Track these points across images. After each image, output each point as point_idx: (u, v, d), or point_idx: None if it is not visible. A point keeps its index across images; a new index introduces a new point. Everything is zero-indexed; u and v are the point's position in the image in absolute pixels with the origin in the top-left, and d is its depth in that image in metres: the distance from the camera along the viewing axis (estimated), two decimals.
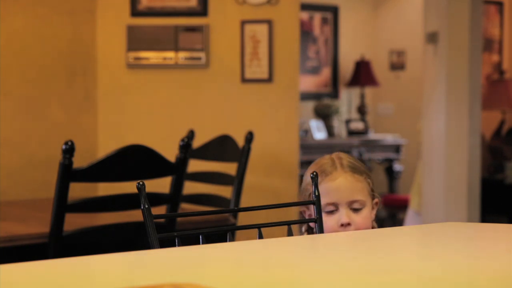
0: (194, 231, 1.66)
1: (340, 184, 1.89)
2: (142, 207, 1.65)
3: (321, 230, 1.84)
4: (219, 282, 1.19)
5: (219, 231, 1.84)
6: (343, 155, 1.96)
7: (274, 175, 4.17)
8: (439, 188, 5.02)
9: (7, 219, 2.95)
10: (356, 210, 1.88)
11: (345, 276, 1.28)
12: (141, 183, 1.70)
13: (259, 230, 1.71)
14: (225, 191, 3.38)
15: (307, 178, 1.89)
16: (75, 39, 4.28)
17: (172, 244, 1.61)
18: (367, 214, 1.89)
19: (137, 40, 4.25)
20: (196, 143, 3.62)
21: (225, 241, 1.65)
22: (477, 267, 1.31)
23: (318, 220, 1.83)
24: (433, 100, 5.07)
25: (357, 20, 7.56)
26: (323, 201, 1.84)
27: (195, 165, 3.55)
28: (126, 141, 3.03)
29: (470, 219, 4.91)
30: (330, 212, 1.88)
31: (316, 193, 1.87)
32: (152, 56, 4.26)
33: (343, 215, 1.87)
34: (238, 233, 3.32)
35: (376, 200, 1.94)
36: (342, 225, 1.86)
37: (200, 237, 1.65)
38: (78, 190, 2.77)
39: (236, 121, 4.20)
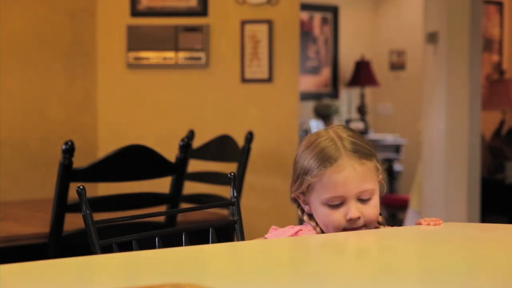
0: (129, 237, 1.62)
1: (348, 176, 1.64)
2: (83, 213, 1.60)
3: (241, 232, 1.77)
4: (219, 282, 1.19)
5: (150, 235, 1.67)
6: (342, 131, 1.70)
7: (274, 175, 4.17)
8: (439, 188, 5.02)
9: (7, 219, 2.95)
10: (364, 201, 1.65)
11: (345, 276, 1.28)
12: (81, 187, 1.62)
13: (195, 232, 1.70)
14: (225, 191, 3.38)
15: (303, 162, 1.67)
16: (75, 39, 4.28)
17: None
18: (376, 202, 1.67)
19: (137, 40, 4.25)
20: (196, 143, 3.62)
21: (224, 240, 1.65)
22: (477, 267, 1.31)
23: (238, 222, 1.80)
24: (433, 100, 5.07)
25: (357, 20, 7.56)
26: (326, 194, 1.64)
27: (195, 165, 3.55)
28: (126, 141, 3.03)
29: (470, 219, 4.91)
30: (335, 206, 1.65)
31: (235, 194, 1.82)
32: (152, 56, 4.26)
33: (352, 208, 1.64)
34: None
35: (379, 179, 1.71)
36: (350, 219, 1.64)
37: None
38: None
39: (236, 121, 4.20)
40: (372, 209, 1.65)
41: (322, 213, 1.65)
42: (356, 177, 1.64)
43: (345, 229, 1.64)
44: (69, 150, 2.40)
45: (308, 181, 1.65)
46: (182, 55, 4.24)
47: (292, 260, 1.38)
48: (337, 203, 1.64)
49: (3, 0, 4.05)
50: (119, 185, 2.67)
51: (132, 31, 4.25)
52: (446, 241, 1.59)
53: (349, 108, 7.47)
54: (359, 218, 1.64)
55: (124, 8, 4.26)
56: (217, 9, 4.23)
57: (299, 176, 1.68)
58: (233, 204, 1.80)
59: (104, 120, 4.33)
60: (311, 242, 1.52)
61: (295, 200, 1.74)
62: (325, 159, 1.64)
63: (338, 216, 1.64)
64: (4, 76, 4.05)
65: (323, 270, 1.32)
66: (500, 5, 7.25)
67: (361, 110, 7.30)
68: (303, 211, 1.73)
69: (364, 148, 1.67)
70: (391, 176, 7.06)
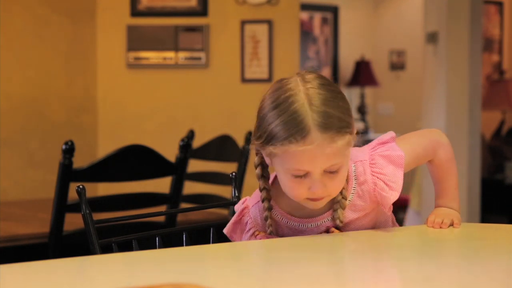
0: (129, 237, 1.62)
1: (315, 154, 1.46)
2: (82, 212, 1.60)
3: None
4: (219, 282, 1.19)
5: (150, 235, 1.66)
6: (315, 93, 1.48)
7: None
8: None
9: (7, 219, 2.95)
10: (331, 173, 1.49)
11: (345, 276, 1.28)
12: (81, 186, 1.61)
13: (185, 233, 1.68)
14: (225, 191, 3.38)
15: (269, 126, 1.47)
16: (75, 39, 4.28)
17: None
18: (344, 174, 1.52)
19: (137, 40, 4.25)
20: (196, 143, 3.62)
21: (224, 240, 1.65)
22: (477, 267, 1.31)
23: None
24: (433, 100, 5.07)
25: (357, 20, 7.56)
26: (290, 165, 1.47)
27: (195, 165, 3.55)
28: (126, 141, 3.03)
29: (470, 219, 4.91)
30: (299, 177, 1.49)
31: (236, 193, 1.79)
32: (152, 56, 4.26)
33: (316, 184, 1.48)
34: None
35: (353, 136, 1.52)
36: (313, 194, 1.50)
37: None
38: None
39: (236, 121, 4.20)
40: (338, 182, 1.51)
41: (284, 180, 1.51)
42: (324, 155, 1.46)
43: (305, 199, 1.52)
44: (69, 150, 2.40)
45: (271, 149, 1.47)
46: (182, 55, 4.24)
47: (293, 260, 1.38)
48: (300, 175, 1.48)
49: (3, 0, 4.05)
50: (119, 185, 2.66)
51: (132, 31, 4.25)
52: (446, 241, 1.59)
53: None
54: (319, 196, 1.51)
55: (124, 8, 4.26)
56: (217, 9, 4.23)
57: (263, 135, 1.49)
58: (235, 204, 1.80)
59: (104, 120, 4.33)
60: (311, 242, 1.52)
61: (257, 153, 1.57)
62: (293, 132, 1.45)
63: (301, 189, 1.49)
64: (4, 76, 4.05)
65: (323, 269, 1.32)
66: (500, 5, 7.25)
67: (361, 110, 7.30)
68: (260, 162, 1.57)
69: (338, 120, 1.47)
70: None
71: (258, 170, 1.58)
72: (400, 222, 6.13)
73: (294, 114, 1.46)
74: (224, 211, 3.23)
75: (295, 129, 1.45)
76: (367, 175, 1.58)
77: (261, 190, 1.60)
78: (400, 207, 6.60)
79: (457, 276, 1.27)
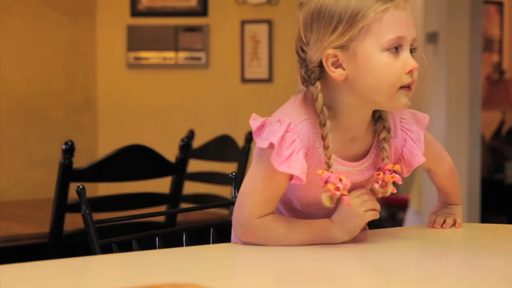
0: (129, 237, 1.61)
1: (408, 15, 1.42)
2: (82, 212, 1.60)
3: None
4: (219, 282, 1.19)
5: (150, 235, 1.64)
6: None
7: None
8: None
9: (7, 219, 2.95)
10: (412, 52, 1.44)
11: (345, 276, 1.28)
12: (81, 186, 1.60)
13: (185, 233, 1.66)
14: (225, 191, 3.38)
15: (352, 1, 1.41)
16: (75, 39, 4.28)
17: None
18: None
19: (137, 40, 4.25)
20: (196, 143, 3.62)
21: (224, 240, 1.65)
22: (477, 267, 1.31)
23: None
24: (433, 100, 5.07)
25: None
26: (390, 34, 1.39)
27: (195, 165, 3.55)
28: (126, 141, 3.03)
29: (470, 219, 4.90)
30: (393, 51, 1.40)
31: (236, 194, 1.73)
32: (152, 56, 4.26)
33: (410, 57, 1.41)
34: None
35: None
36: (411, 70, 1.41)
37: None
38: None
39: (236, 121, 4.20)
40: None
41: (381, 63, 1.40)
42: (411, 21, 1.42)
43: (401, 87, 1.41)
44: (69, 150, 2.40)
45: (364, 21, 1.39)
46: (182, 55, 4.24)
47: (292, 260, 1.38)
48: (395, 46, 1.39)
49: (3, 0, 4.05)
50: (119, 185, 2.66)
51: (132, 31, 4.25)
52: (446, 241, 1.59)
53: None
54: (416, 69, 1.42)
55: (124, 8, 4.26)
56: (217, 9, 4.23)
57: (343, 21, 1.42)
58: (233, 204, 1.79)
59: (104, 120, 4.33)
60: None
61: (308, 77, 1.50)
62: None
63: (398, 64, 1.40)
64: (4, 76, 4.05)
65: (323, 269, 1.32)
66: (500, 5, 7.25)
67: None
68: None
69: None
70: None
71: (320, 94, 1.47)
72: (400, 222, 6.12)
73: None
74: (224, 211, 3.23)
75: None
76: (397, 129, 1.51)
77: (321, 109, 1.44)
78: (400, 207, 6.60)
79: (457, 276, 1.27)
